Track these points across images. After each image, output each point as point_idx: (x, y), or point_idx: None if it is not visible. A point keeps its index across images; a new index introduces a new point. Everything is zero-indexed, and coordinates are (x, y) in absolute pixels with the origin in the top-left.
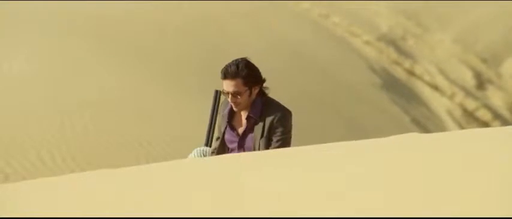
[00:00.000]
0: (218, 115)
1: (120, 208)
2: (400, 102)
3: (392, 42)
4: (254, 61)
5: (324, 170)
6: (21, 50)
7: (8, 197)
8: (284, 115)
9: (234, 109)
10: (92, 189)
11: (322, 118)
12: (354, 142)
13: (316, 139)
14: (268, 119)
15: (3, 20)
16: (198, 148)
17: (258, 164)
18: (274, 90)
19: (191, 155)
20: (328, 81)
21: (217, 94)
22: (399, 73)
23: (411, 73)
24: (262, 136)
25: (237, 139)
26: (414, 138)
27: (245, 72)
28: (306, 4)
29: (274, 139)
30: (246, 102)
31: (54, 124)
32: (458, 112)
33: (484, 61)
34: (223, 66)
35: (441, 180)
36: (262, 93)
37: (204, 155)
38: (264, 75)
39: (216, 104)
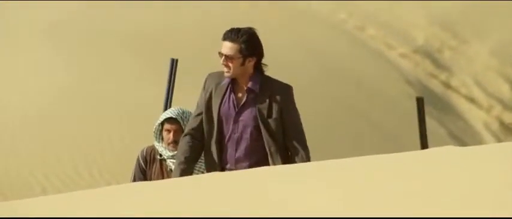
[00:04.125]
0: (202, 91)
1: None
2: (437, 115)
3: (429, 54)
4: (289, 72)
5: (363, 185)
6: (61, 62)
7: (47, 210)
8: (291, 92)
9: (225, 74)
10: (127, 202)
11: (358, 130)
12: (391, 155)
13: (353, 150)
14: (275, 97)
15: (43, 33)
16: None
17: (297, 178)
18: (310, 100)
19: (161, 117)
20: (363, 92)
21: (173, 62)
22: (435, 85)
23: (447, 85)
24: (270, 115)
25: (233, 113)
26: (451, 151)
27: (243, 39)
28: (342, 15)
29: (290, 120)
30: (237, 71)
31: (91, 137)
32: (495, 125)
33: None
34: None
35: (479, 194)
36: (259, 69)
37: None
38: (298, 86)
39: (171, 72)
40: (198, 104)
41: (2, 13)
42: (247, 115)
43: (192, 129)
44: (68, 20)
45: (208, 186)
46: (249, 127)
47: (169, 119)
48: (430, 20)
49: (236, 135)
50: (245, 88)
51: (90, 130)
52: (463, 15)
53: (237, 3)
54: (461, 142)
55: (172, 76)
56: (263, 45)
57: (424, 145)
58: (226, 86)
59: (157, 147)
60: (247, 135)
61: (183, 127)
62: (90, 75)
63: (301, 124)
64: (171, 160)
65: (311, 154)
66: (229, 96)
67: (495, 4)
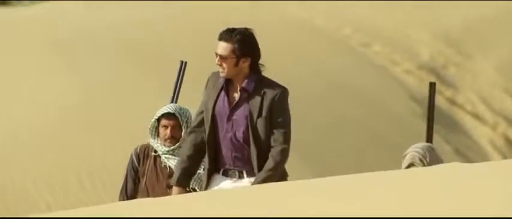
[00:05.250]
0: (205, 90)
1: None
2: (442, 131)
3: (434, 71)
4: (294, 87)
5: (365, 200)
6: (67, 77)
7: None
8: (283, 95)
9: (220, 74)
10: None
11: (363, 145)
12: (395, 171)
13: (357, 165)
14: (267, 97)
15: (50, 48)
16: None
17: (297, 193)
18: (314, 115)
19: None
20: (368, 108)
21: (182, 64)
22: (440, 102)
23: (453, 102)
24: (259, 114)
25: (227, 112)
26: (456, 168)
27: (237, 39)
28: (347, 31)
29: (277, 121)
30: (231, 71)
31: (96, 151)
32: (500, 142)
33: None
34: None
35: (485, 210)
36: (255, 70)
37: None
38: (303, 101)
39: (179, 74)
40: (201, 102)
41: (10, 29)
42: (239, 114)
43: (195, 127)
44: (74, 36)
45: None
46: (242, 126)
47: (167, 115)
48: (435, 36)
49: (229, 134)
50: (239, 87)
51: (95, 144)
52: (468, 31)
53: (242, 19)
54: (467, 159)
55: (180, 78)
56: (267, 61)
57: (429, 133)
58: (221, 85)
59: (152, 143)
60: (240, 134)
61: (181, 122)
62: (95, 89)
63: (287, 125)
64: (166, 156)
65: (315, 168)
66: (224, 95)
67: (500, 21)
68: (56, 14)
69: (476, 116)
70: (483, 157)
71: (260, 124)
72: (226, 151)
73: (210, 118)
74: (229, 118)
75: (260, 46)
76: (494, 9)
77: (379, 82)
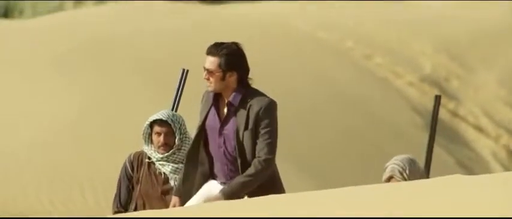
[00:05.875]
0: (201, 104)
1: None
2: (444, 144)
3: (436, 83)
4: (296, 99)
5: (368, 212)
6: (68, 91)
7: None
8: (269, 106)
9: (208, 88)
10: None
11: (365, 157)
12: (398, 183)
13: (359, 177)
14: (253, 110)
15: (52, 62)
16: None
17: (298, 205)
18: (316, 127)
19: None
20: (371, 120)
21: (183, 72)
22: (443, 114)
23: (455, 114)
24: (246, 127)
25: (218, 126)
26: (458, 180)
27: (223, 53)
28: (350, 44)
29: (261, 132)
30: (218, 85)
31: (98, 164)
32: (503, 154)
33: None
34: None
35: None
36: (244, 83)
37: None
38: (306, 113)
39: (181, 82)
40: (201, 114)
41: (13, 43)
42: (229, 129)
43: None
44: (75, 50)
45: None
46: (233, 140)
47: (159, 122)
48: (437, 48)
49: (222, 149)
50: (227, 101)
51: (96, 157)
52: (470, 44)
53: (245, 31)
54: (469, 171)
55: (181, 86)
56: (269, 72)
57: (430, 145)
58: (211, 100)
59: (146, 150)
60: (232, 148)
61: (174, 129)
62: (97, 102)
63: (272, 136)
64: (160, 162)
65: (316, 180)
66: (214, 110)
67: (502, 33)
68: (57, 27)
69: (479, 128)
70: (485, 169)
71: (247, 137)
72: (221, 165)
73: (202, 133)
74: (220, 133)
75: (264, 58)
76: (496, 22)
77: (381, 94)
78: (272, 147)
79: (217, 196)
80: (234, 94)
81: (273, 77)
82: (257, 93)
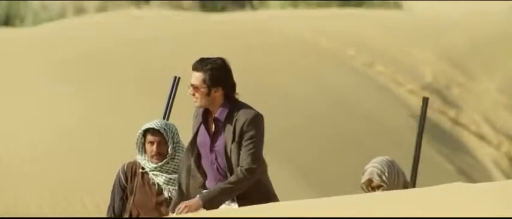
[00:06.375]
0: (193, 117)
1: None
2: (445, 151)
3: (437, 91)
4: (298, 107)
5: None
6: (70, 100)
7: None
8: (254, 118)
9: (194, 104)
10: None
11: (365, 165)
12: (399, 191)
13: (360, 185)
14: (239, 123)
15: (54, 71)
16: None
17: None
18: (318, 135)
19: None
20: (372, 128)
21: (175, 80)
22: (444, 122)
23: (456, 122)
24: (233, 140)
25: (208, 143)
26: (460, 188)
27: (208, 68)
28: (351, 52)
29: (244, 143)
30: (203, 100)
31: (100, 174)
32: (504, 162)
33: None
34: (266, 114)
35: None
36: (230, 98)
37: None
38: (307, 121)
39: (172, 90)
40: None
41: (14, 51)
42: (219, 144)
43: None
44: (76, 58)
45: None
46: (222, 156)
47: (152, 131)
48: (438, 56)
49: (215, 165)
50: (213, 117)
51: (98, 167)
52: (472, 52)
53: (246, 40)
54: (471, 179)
55: (173, 93)
56: (271, 81)
57: (418, 148)
58: (201, 117)
59: (139, 160)
60: (224, 164)
61: (166, 138)
62: (99, 112)
63: (256, 146)
64: (154, 172)
65: (317, 187)
66: (204, 127)
67: (503, 41)
68: (58, 35)
69: (480, 136)
70: (487, 177)
71: (234, 151)
72: (215, 181)
73: (194, 150)
74: (211, 149)
75: (265, 67)
76: (497, 30)
77: (382, 102)
78: (255, 157)
79: (195, 201)
80: (220, 109)
81: (274, 85)
82: (243, 106)
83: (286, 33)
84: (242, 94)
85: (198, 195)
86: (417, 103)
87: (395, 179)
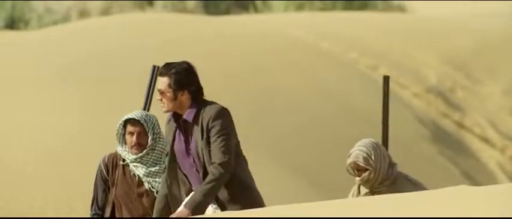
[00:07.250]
0: (166, 124)
1: None
2: (450, 154)
3: (441, 94)
4: (301, 110)
5: None
6: (72, 103)
7: None
8: (218, 113)
9: (162, 109)
10: None
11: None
12: (403, 194)
13: None
14: (204, 121)
15: (56, 74)
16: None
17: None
18: (321, 139)
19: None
20: (375, 132)
21: (154, 69)
22: (448, 125)
23: (461, 125)
24: (202, 139)
25: (184, 147)
26: (464, 191)
27: (172, 73)
28: (354, 55)
29: (212, 139)
30: (170, 105)
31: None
32: (509, 165)
33: None
34: (270, 117)
35: None
36: (197, 99)
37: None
38: (310, 124)
39: (152, 80)
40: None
41: (18, 55)
42: (192, 146)
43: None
44: (80, 62)
45: None
46: (195, 155)
47: (132, 122)
48: (442, 59)
49: (194, 168)
50: (182, 119)
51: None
52: (476, 54)
53: (250, 43)
54: (475, 182)
55: (153, 83)
56: (274, 84)
57: (385, 132)
58: (174, 125)
59: (120, 152)
60: (201, 166)
61: (146, 129)
62: (103, 115)
63: (225, 139)
64: (134, 164)
65: (320, 192)
66: (179, 132)
67: (508, 44)
68: (62, 39)
69: (484, 139)
70: (491, 180)
71: (205, 149)
72: (198, 183)
73: (173, 157)
74: (188, 153)
75: (267, 70)
76: (501, 33)
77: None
78: (226, 150)
79: (181, 211)
80: (188, 111)
81: (277, 87)
82: (209, 105)
83: (290, 36)
84: (245, 96)
85: (182, 205)
86: (421, 106)
87: (381, 161)
